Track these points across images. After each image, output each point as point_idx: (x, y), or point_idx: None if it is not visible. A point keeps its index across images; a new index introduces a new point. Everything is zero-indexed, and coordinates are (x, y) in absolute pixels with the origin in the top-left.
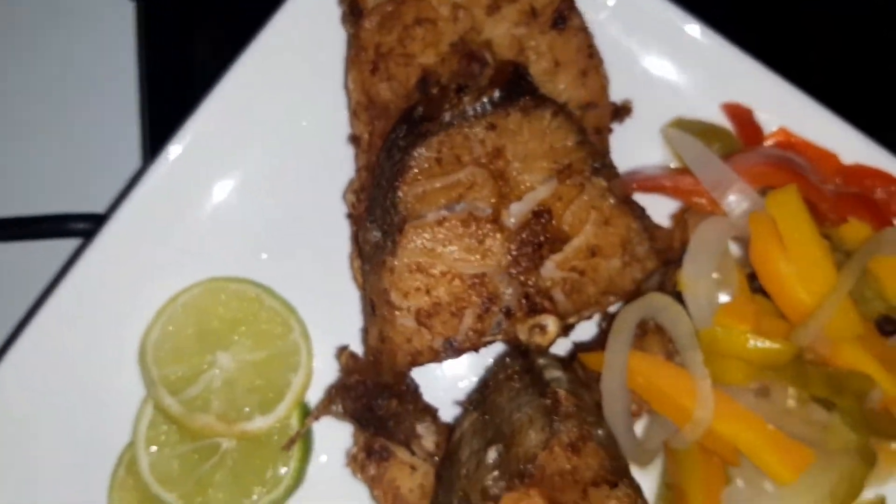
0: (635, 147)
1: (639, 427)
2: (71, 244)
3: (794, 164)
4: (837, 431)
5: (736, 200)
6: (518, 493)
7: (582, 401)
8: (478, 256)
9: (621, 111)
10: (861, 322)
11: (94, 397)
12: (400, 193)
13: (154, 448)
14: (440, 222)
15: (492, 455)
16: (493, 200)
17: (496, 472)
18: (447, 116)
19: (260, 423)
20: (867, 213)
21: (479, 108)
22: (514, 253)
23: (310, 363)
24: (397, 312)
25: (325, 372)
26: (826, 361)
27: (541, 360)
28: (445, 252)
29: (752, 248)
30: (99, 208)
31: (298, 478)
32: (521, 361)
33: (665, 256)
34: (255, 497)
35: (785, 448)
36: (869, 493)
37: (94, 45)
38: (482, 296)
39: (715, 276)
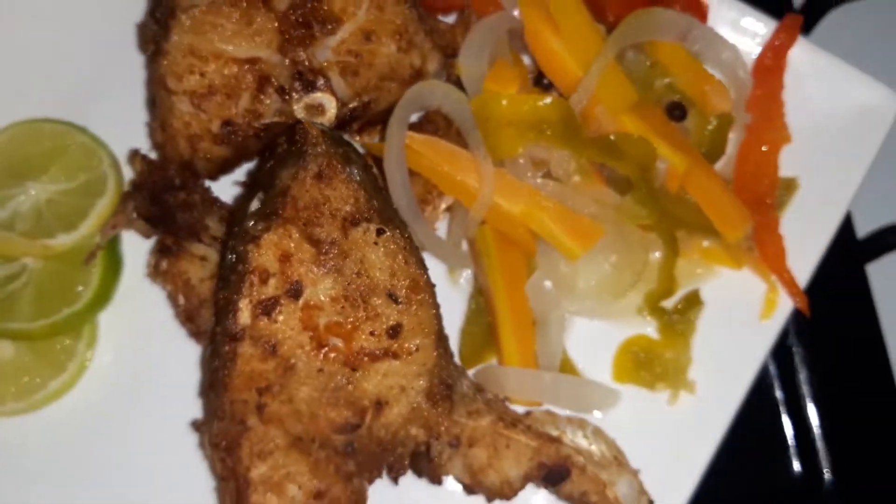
0: None
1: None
2: None
3: None
4: (629, 209)
5: None
6: (276, 233)
7: (378, 196)
8: (246, 38)
9: None
10: (635, 93)
11: None
12: None
13: None
14: (210, 7)
15: (254, 205)
16: None
17: (257, 217)
18: None
19: (63, 240)
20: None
21: None
22: (285, 34)
23: (118, 190)
24: (174, 98)
25: None
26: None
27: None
28: (217, 35)
29: (526, 29)
30: None
31: (104, 294)
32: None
33: (447, 52)
34: (61, 311)
35: (572, 222)
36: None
37: None
38: (256, 77)
39: None
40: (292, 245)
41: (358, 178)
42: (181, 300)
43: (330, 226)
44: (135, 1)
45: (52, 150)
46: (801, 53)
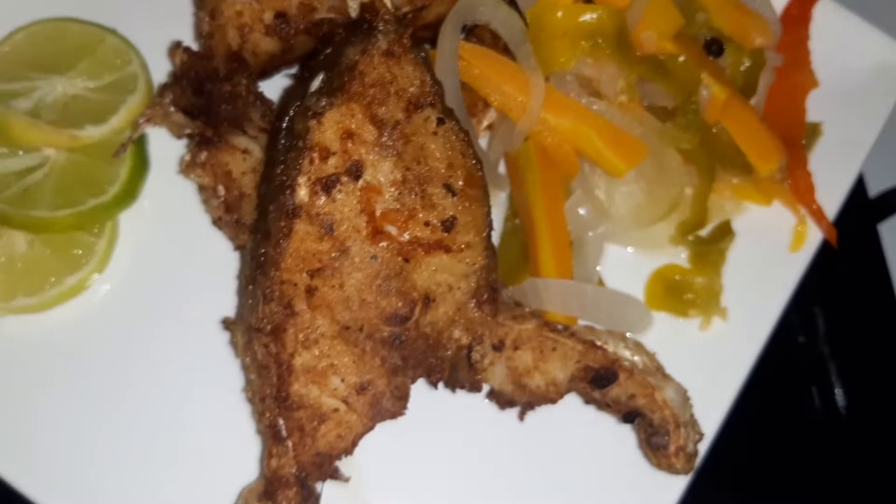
0: None
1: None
2: None
3: None
4: (671, 133)
5: None
6: (339, 110)
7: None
8: None
9: None
10: (681, 19)
11: None
12: None
13: None
14: None
15: (315, 84)
16: None
17: (319, 94)
18: None
19: (91, 132)
20: None
21: None
22: None
23: (147, 90)
24: None
25: None
26: None
27: None
28: None
29: None
30: None
31: (130, 191)
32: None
33: None
34: (86, 203)
35: (617, 138)
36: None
37: None
38: None
39: None
40: (355, 124)
41: (425, 60)
42: (221, 191)
43: (394, 106)
44: None
45: (79, 47)
46: (825, 9)
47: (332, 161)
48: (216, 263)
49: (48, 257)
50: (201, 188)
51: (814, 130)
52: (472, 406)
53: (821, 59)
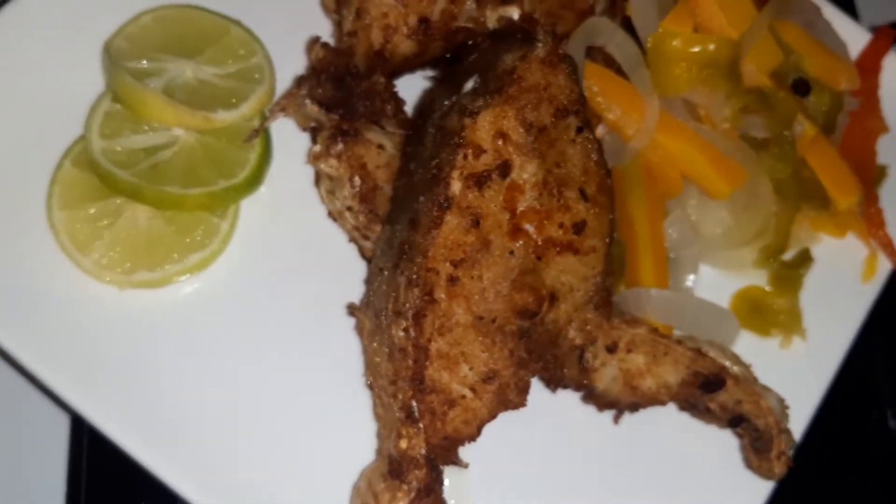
0: None
1: None
2: None
3: None
4: (768, 162)
5: None
6: (494, 111)
7: None
8: None
9: None
10: (781, 56)
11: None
12: None
13: (109, 135)
14: None
15: (469, 85)
16: None
17: (474, 95)
18: None
19: (223, 115)
20: None
21: None
22: None
23: (272, 81)
24: None
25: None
26: None
27: None
28: None
29: None
30: None
31: (258, 177)
32: (493, 35)
33: None
34: (217, 184)
35: (722, 162)
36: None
37: None
38: None
39: None
40: (507, 125)
41: (574, 72)
42: (357, 182)
43: (545, 112)
44: None
45: (204, 35)
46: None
47: (483, 158)
48: (329, 253)
49: (171, 234)
50: (325, 178)
51: (881, 172)
52: (567, 406)
53: (888, 107)
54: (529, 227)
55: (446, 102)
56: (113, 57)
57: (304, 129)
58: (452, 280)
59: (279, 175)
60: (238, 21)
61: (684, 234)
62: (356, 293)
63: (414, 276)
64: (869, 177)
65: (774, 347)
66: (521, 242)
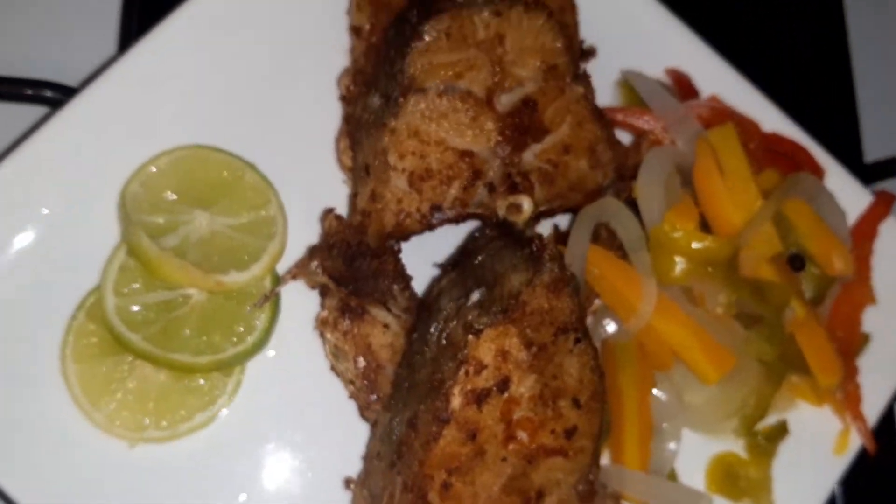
0: None
1: None
2: (34, 112)
3: (732, 111)
4: (756, 344)
5: (683, 131)
6: (497, 330)
7: None
8: (470, 132)
9: (587, 53)
10: (780, 245)
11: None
12: (409, 60)
13: (123, 292)
14: (440, 95)
15: (475, 297)
16: (488, 85)
17: (479, 310)
18: None
19: (235, 277)
20: (782, 166)
21: None
22: (501, 134)
23: (285, 235)
24: (392, 172)
25: (299, 250)
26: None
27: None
28: (442, 123)
29: (696, 167)
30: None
31: (266, 338)
32: (501, 228)
33: (620, 171)
34: (226, 350)
35: (712, 349)
36: (770, 419)
37: None
38: (470, 169)
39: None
40: (509, 344)
41: (575, 293)
42: (361, 363)
43: (546, 332)
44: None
45: (221, 181)
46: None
47: (484, 374)
48: (333, 410)
49: (179, 391)
50: (332, 350)
51: (864, 339)
52: None
53: (883, 271)
54: (523, 435)
55: (451, 304)
56: (129, 209)
57: (313, 288)
58: (446, 486)
59: (285, 333)
60: (253, 165)
61: (670, 404)
62: (355, 457)
63: (409, 482)
64: (852, 350)
65: None
66: (513, 448)
